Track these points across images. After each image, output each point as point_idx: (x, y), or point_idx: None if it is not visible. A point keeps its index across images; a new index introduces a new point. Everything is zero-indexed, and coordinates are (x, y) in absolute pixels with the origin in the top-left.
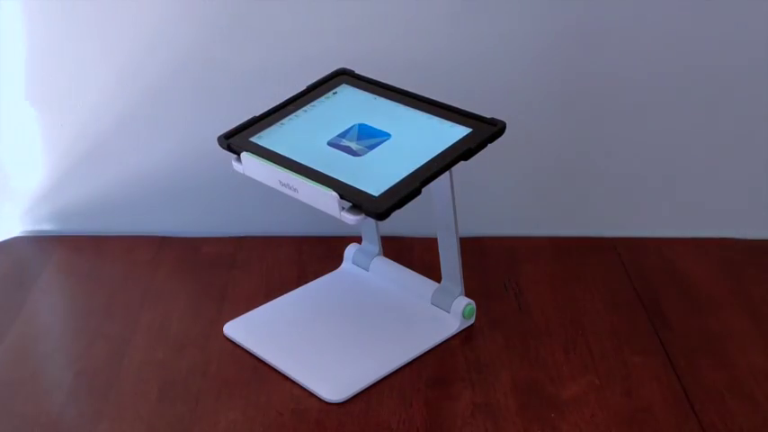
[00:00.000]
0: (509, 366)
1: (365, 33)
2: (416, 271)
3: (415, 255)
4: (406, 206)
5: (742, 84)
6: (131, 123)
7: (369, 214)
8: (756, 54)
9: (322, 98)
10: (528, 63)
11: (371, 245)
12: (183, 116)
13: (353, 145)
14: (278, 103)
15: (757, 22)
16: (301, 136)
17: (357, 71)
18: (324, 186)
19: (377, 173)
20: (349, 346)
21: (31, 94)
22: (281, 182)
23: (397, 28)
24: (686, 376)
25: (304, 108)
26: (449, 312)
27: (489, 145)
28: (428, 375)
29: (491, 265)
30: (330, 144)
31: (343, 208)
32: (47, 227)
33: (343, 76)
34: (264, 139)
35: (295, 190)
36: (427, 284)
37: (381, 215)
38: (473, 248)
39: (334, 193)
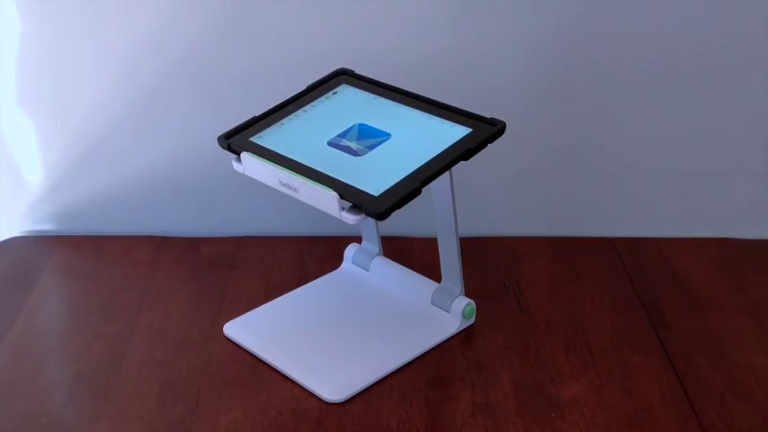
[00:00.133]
0: (509, 366)
1: (365, 33)
2: (416, 271)
3: (415, 255)
4: (406, 206)
5: (742, 83)
6: (131, 123)
7: (369, 214)
8: (756, 54)
9: (322, 98)
10: (528, 63)
11: (371, 245)
12: (183, 116)
13: (353, 145)
14: (278, 103)
15: (757, 22)
16: (301, 136)
17: (357, 71)
18: (324, 186)
19: (377, 173)
20: (349, 346)
21: (30, 94)
22: (281, 182)
23: (397, 28)
24: (686, 376)
25: (304, 108)
26: (449, 312)
27: (489, 145)
28: (428, 375)
29: (491, 265)
30: (330, 144)
31: (343, 208)
32: (47, 227)
33: (343, 76)
34: (264, 139)
35: (295, 190)
36: (427, 284)
37: (381, 215)
38: (473, 248)
39: (335, 193)
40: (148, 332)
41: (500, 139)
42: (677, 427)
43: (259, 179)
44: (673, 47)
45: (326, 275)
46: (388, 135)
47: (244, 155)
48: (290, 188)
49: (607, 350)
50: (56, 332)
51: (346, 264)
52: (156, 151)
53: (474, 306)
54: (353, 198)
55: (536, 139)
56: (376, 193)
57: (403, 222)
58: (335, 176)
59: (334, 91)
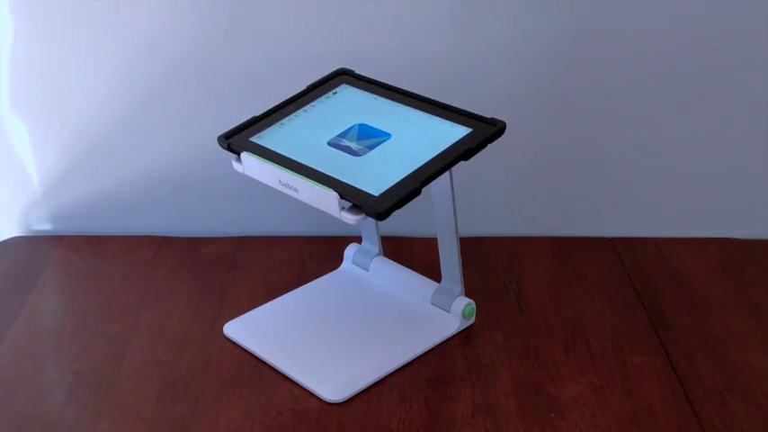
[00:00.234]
0: (509, 366)
1: (365, 33)
2: (416, 271)
3: (414, 255)
4: (406, 206)
5: (742, 83)
6: (131, 123)
7: (369, 214)
8: (756, 54)
9: (322, 98)
10: (528, 63)
11: (371, 245)
12: (183, 116)
13: (353, 145)
14: (278, 103)
15: (757, 22)
16: (301, 136)
17: (357, 71)
18: (324, 186)
19: (377, 173)
20: (349, 346)
21: (30, 94)
22: (281, 182)
23: (397, 28)
24: (686, 376)
25: (304, 108)
26: (449, 312)
27: (489, 145)
28: (428, 375)
29: (491, 265)
30: (330, 144)
31: (343, 208)
32: (47, 227)
33: (343, 76)
34: (264, 138)
35: (295, 190)
36: (427, 284)
37: (381, 215)
38: (473, 248)
39: (335, 193)
40: (148, 332)
41: (500, 139)
42: (677, 427)
43: (259, 179)
44: (673, 47)
45: (326, 275)
46: (388, 135)
47: (244, 155)
48: (290, 188)
49: (607, 350)
50: (56, 332)
51: (346, 264)
52: (156, 151)
53: (474, 306)
54: (353, 198)
55: (536, 139)
56: (376, 193)
57: (403, 222)
58: (335, 176)
59: (334, 91)
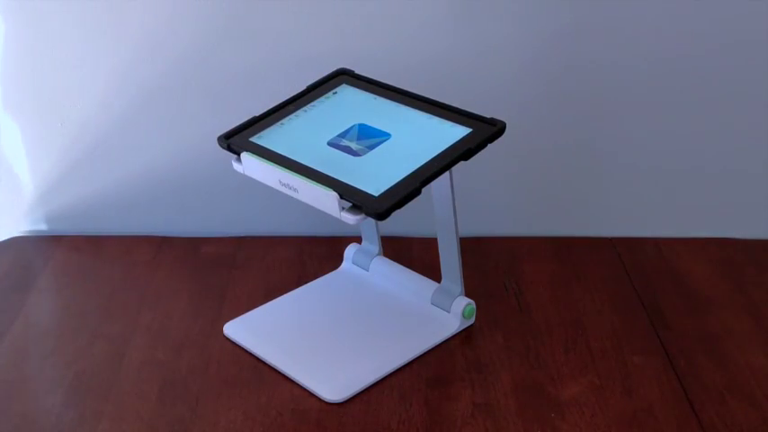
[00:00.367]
0: (509, 366)
1: (365, 33)
2: (416, 271)
3: (414, 255)
4: (406, 206)
5: (742, 83)
6: (131, 123)
7: (369, 214)
8: (756, 54)
9: (322, 98)
10: (528, 63)
11: (371, 245)
12: (183, 116)
13: (353, 145)
14: (278, 103)
15: (756, 23)
16: (301, 136)
17: (357, 71)
18: (324, 186)
19: (377, 173)
20: (349, 346)
21: (30, 93)
22: (281, 182)
23: (397, 28)
24: (686, 376)
25: (304, 108)
26: (449, 312)
27: (489, 145)
28: (428, 375)
29: (491, 265)
30: (330, 144)
31: (343, 208)
32: (46, 227)
33: (343, 76)
34: (264, 139)
35: (295, 190)
36: (427, 284)
37: (381, 215)
38: (473, 248)
39: (334, 193)
40: (148, 332)
41: (500, 139)
42: (677, 427)
43: (259, 179)
44: (672, 47)
45: (326, 275)
46: (388, 135)
47: (244, 155)
48: (290, 188)
49: (607, 350)
50: (56, 332)
51: (346, 264)
52: (155, 151)
53: (474, 306)
54: (353, 198)
55: (536, 138)
56: (376, 193)
57: (403, 222)
58: (335, 176)
59: (334, 91)
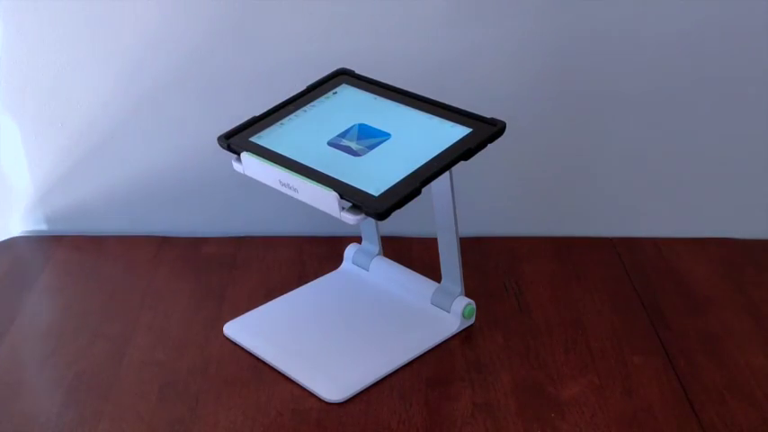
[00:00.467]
0: (509, 366)
1: (365, 34)
2: (416, 271)
3: (414, 255)
4: (406, 206)
5: (742, 84)
6: (131, 123)
7: (369, 214)
8: (756, 54)
9: (322, 98)
10: (528, 63)
11: (371, 245)
12: (183, 116)
13: (353, 145)
14: (278, 103)
15: (756, 23)
16: (301, 136)
17: (357, 71)
18: (324, 186)
19: (377, 173)
20: (349, 346)
21: (30, 93)
22: (281, 182)
23: (397, 28)
24: (686, 376)
25: (304, 108)
26: (449, 312)
27: (489, 145)
28: (428, 375)
29: (491, 265)
30: (330, 144)
31: (343, 208)
32: (47, 227)
33: (343, 76)
34: (264, 139)
35: (295, 190)
36: (427, 284)
37: (381, 215)
38: (473, 248)
39: (335, 193)
40: (148, 332)
41: (500, 139)
42: (677, 427)
43: (259, 179)
44: (673, 47)
45: (326, 275)
46: (388, 135)
47: (244, 155)
48: (290, 188)
49: (607, 350)
50: (56, 332)
51: (346, 264)
52: (156, 151)
53: (474, 306)
54: (353, 198)
55: (536, 139)
56: (376, 193)
57: (403, 222)
58: (335, 176)
59: (334, 91)
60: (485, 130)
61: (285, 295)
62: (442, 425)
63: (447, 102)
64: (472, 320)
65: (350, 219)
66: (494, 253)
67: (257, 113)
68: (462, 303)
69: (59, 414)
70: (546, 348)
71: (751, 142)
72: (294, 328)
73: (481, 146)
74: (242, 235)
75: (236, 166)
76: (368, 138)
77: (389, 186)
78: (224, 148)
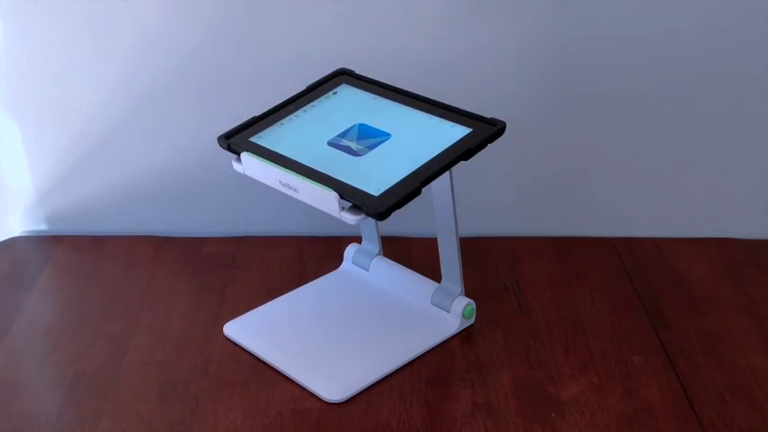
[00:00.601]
0: (509, 366)
1: (365, 33)
2: (416, 271)
3: (414, 255)
4: (406, 206)
5: (741, 84)
6: (131, 123)
7: (369, 214)
8: (756, 54)
9: (322, 98)
10: (528, 63)
11: (371, 245)
12: (183, 116)
13: (353, 145)
14: (278, 103)
15: (756, 23)
16: (301, 136)
17: (357, 71)
18: (324, 186)
19: (377, 173)
20: (349, 346)
21: (30, 93)
22: (281, 182)
23: (397, 28)
24: (686, 376)
25: (304, 108)
26: (449, 312)
27: (489, 145)
28: (428, 375)
29: (491, 265)
30: (330, 144)
31: (343, 208)
32: (47, 227)
33: (343, 76)
34: (264, 139)
35: (295, 190)
36: (427, 284)
37: (381, 215)
38: (473, 248)
39: (335, 193)
40: (148, 332)
41: (500, 139)
42: (677, 427)
43: (259, 179)
44: (673, 47)
45: (326, 275)
46: (388, 135)
47: (244, 155)
48: (290, 188)
49: (607, 350)
50: (56, 332)
51: (346, 264)
52: (156, 151)
53: (474, 306)
54: (353, 198)
55: (536, 138)
56: (376, 193)
57: (403, 222)
58: (335, 176)
59: (334, 91)
60: (485, 130)
61: (285, 295)
62: (442, 425)
63: (447, 102)
64: (472, 320)
65: (350, 219)
66: (494, 253)
67: (257, 113)
68: (462, 303)
69: (59, 414)
70: (546, 348)
71: (751, 142)
72: (294, 328)
73: (481, 146)
74: (242, 235)
75: (236, 166)
76: (368, 138)
77: (389, 186)
78: (224, 148)
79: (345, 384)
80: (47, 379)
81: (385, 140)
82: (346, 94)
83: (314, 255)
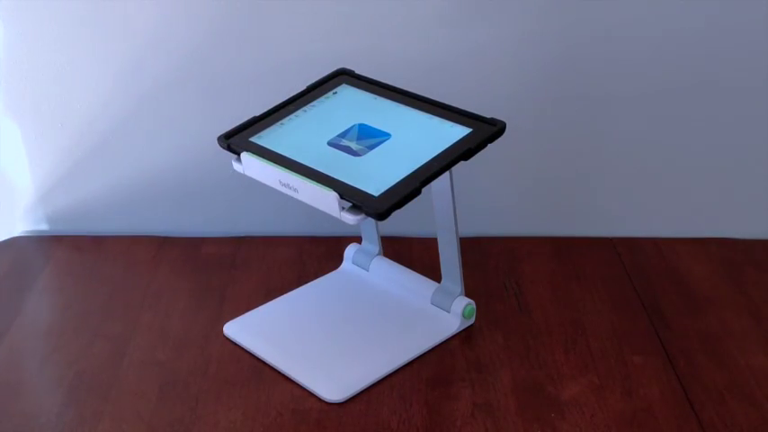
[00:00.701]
0: (509, 366)
1: (365, 33)
2: (416, 271)
3: (414, 255)
4: (406, 206)
5: (741, 84)
6: (131, 123)
7: (369, 214)
8: (756, 54)
9: (322, 98)
10: (528, 63)
11: (371, 245)
12: (183, 116)
13: (353, 145)
14: (278, 103)
15: (756, 23)
16: (301, 136)
17: (357, 71)
18: (324, 186)
19: (377, 173)
20: (349, 346)
21: (30, 93)
22: (281, 182)
23: (397, 28)
24: (686, 376)
25: (304, 108)
26: (449, 312)
27: (489, 145)
28: (428, 375)
29: (491, 265)
30: (330, 144)
31: (343, 208)
32: (47, 227)
33: (343, 76)
34: (264, 139)
35: (295, 190)
36: (427, 284)
37: (381, 215)
38: (473, 248)
39: (335, 193)
40: (149, 332)
41: (500, 139)
42: (677, 427)
43: (259, 179)
44: (673, 47)
45: (326, 275)
46: (388, 135)
47: (244, 155)
48: (290, 188)
49: (607, 350)
50: (56, 332)
51: (346, 264)
52: (156, 151)
53: (474, 306)
54: (353, 198)
55: (536, 139)
56: (376, 193)
57: (403, 222)
58: (335, 176)
59: (334, 91)
60: (485, 130)
61: (285, 295)
62: (442, 425)
63: (447, 102)
64: (472, 320)
65: (350, 219)
66: (494, 253)
67: (257, 113)
68: (462, 303)
69: (59, 414)
70: (546, 348)
71: (751, 142)
72: (294, 328)
73: (481, 146)
74: (242, 235)
75: (236, 166)
76: (368, 138)
77: (389, 186)
78: (224, 148)
79: (345, 384)
80: (47, 379)
81: (385, 140)
82: (346, 94)
83: (314, 255)
